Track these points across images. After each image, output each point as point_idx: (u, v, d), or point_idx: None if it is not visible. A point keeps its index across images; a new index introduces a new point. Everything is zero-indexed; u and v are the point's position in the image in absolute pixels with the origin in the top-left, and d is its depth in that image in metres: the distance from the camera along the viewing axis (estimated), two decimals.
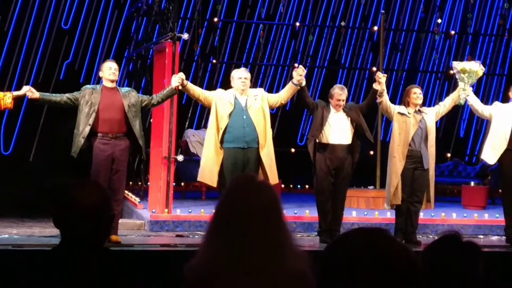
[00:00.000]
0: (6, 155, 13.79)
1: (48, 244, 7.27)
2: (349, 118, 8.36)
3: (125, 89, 8.21)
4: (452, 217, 10.03)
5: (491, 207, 11.65)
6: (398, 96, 14.83)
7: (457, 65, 8.68)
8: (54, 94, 8.04)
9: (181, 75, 8.30)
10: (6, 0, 13.90)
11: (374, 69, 14.15)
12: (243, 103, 8.27)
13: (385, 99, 8.39)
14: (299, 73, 8.27)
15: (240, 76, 8.34)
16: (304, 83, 8.32)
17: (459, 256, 2.72)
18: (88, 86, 8.12)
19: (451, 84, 14.80)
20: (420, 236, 8.88)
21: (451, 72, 8.87)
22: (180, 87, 8.23)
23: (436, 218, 9.80)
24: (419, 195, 8.43)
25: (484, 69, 8.85)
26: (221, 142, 8.20)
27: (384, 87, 8.36)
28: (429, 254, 2.73)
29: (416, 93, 8.44)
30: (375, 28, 14.36)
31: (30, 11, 14.05)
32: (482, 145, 9.20)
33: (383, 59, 12.47)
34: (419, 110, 8.46)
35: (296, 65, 8.36)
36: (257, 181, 2.33)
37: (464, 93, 8.59)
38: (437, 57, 15.61)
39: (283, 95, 8.48)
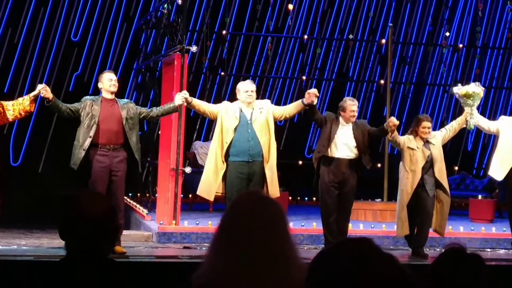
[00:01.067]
0: (15, 167, 13.84)
1: (56, 255, 7.28)
2: (354, 138, 8.34)
3: (123, 101, 8.22)
4: (459, 230, 10.01)
5: (499, 220, 11.62)
6: (406, 108, 14.86)
7: (458, 91, 8.63)
8: (60, 102, 8.06)
9: (185, 93, 8.28)
10: (16, 12, 14.00)
11: (382, 82, 14.18)
12: (248, 116, 8.27)
13: (396, 137, 8.34)
14: (311, 98, 8.18)
15: (246, 89, 8.34)
16: (315, 102, 8.28)
17: (463, 269, 2.73)
18: (88, 97, 8.14)
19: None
20: (428, 249, 8.87)
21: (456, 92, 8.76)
22: (185, 104, 8.26)
23: None
24: (426, 211, 8.39)
25: (484, 88, 8.83)
26: (227, 155, 8.22)
27: (396, 133, 8.31)
28: (434, 268, 2.74)
29: (425, 127, 8.32)
30: (383, 41, 14.38)
31: (40, 23, 14.14)
32: (490, 158, 9.17)
33: (391, 72, 12.49)
34: (427, 141, 8.41)
35: (310, 91, 8.27)
36: (261, 195, 2.36)
37: (471, 117, 8.56)
38: (445, 70, 15.59)
39: (289, 111, 8.46)
